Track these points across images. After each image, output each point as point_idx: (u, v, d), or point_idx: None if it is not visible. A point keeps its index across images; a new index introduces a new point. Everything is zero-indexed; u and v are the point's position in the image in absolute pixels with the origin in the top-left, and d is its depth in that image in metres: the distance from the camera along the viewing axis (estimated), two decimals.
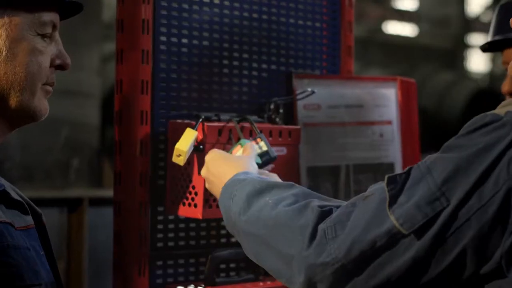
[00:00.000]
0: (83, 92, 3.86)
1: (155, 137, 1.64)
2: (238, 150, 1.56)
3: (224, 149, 1.59)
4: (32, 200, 1.40)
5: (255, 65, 1.80)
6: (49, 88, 1.31)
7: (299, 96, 1.81)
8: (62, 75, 3.95)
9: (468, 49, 13.34)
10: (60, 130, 3.81)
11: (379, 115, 1.92)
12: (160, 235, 1.66)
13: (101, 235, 3.26)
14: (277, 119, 1.79)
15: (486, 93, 9.53)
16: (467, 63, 13.28)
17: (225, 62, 1.76)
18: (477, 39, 13.48)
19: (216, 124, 1.60)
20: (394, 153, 1.93)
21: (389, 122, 1.93)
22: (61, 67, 1.31)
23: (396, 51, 11.07)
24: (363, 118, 1.90)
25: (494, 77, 12.31)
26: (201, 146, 1.57)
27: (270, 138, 1.65)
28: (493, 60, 14.08)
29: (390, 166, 1.92)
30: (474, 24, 13.25)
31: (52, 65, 1.30)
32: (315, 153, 1.84)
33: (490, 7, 13.12)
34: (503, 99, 1.45)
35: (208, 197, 1.57)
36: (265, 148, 1.56)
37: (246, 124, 1.63)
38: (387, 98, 1.93)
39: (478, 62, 14.04)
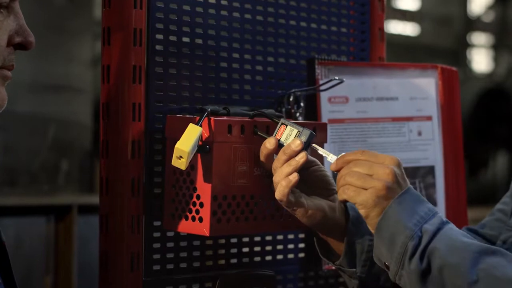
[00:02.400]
0: (73, 87, 3.57)
1: (150, 135, 1.35)
2: (283, 132, 1.27)
3: (235, 149, 1.29)
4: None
5: (270, 49, 1.51)
6: (7, 72, 1.03)
7: (323, 87, 1.52)
8: (49, 68, 3.67)
9: (470, 49, 13.12)
10: (48, 129, 3.52)
11: (417, 110, 1.63)
12: (156, 256, 1.37)
13: (92, 246, 2.98)
14: (298, 114, 1.50)
15: (493, 92, 9.26)
16: (470, 63, 13.04)
17: (235, 45, 1.46)
18: (479, 38, 13.26)
19: (225, 118, 1.30)
20: (434, 155, 1.63)
21: (429, 118, 1.63)
22: (22, 46, 1.03)
23: (398, 50, 10.85)
24: (399, 113, 1.61)
25: (497, 77, 12.09)
26: (207, 146, 1.27)
27: None
28: (496, 60, 13.86)
29: (430, 170, 1.62)
30: (476, 24, 13.04)
31: (10, 43, 1.03)
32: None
33: (492, 7, 12.95)
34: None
35: (217, 208, 1.28)
36: (295, 130, 1.27)
37: (261, 119, 1.33)
38: (426, 90, 1.64)
39: (480, 61, 13.80)
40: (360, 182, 1.20)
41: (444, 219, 1.20)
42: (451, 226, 1.20)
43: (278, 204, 1.35)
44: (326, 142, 1.41)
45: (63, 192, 3.48)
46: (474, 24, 13.02)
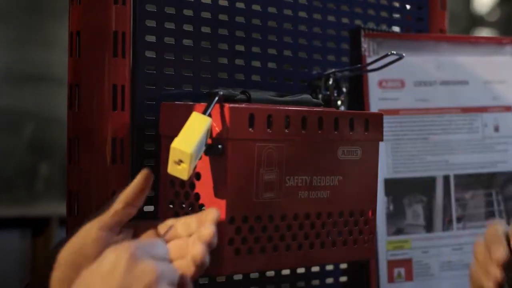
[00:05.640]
0: (54, 77, 3.19)
1: (139, 131, 0.98)
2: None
3: (260, 150, 0.91)
4: None
5: (302, 14, 1.13)
6: None
7: (373, 65, 1.14)
8: (26, 55, 3.24)
9: None
10: (24, 126, 3.15)
11: (493, 97, 1.27)
12: None
13: None
14: (339, 102, 1.13)
15: None
16: None
17: (255, 7, 1.08)
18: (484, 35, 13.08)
19: (244, 106, 0.92)
20: None
21: (508, 108, 1.27)
22: None
23: None
24: (469, 102, 1.25)
25: None
26: (220, 146, 0.89)
27: (336, 132, 0.98)
28: None
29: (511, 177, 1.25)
30: (481, 21, 12.88)
31: None
32: (396, 157, 1.18)
33: (498, 4, 12.74)
34: None
35: (234, 235, 0.91)
36: None
37: (295, 108, 0.95)
38: (504, 71, 1.28)
39: None
40: None
41: None
42: None
43: (318, 228, 0.98)
44: (382, 140, 1.04)
45: (41, 201, 3.12)
46: (479, 21, 12.84)
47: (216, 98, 0.89)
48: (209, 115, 0.88)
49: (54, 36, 3.14)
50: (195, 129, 0.87)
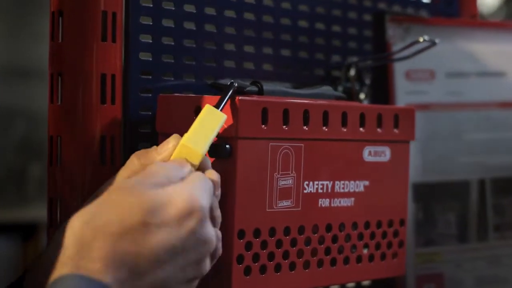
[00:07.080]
0: (44, 72, 3.06)
1: (132, 128, 0.85)
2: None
3: (275, 151, 0.78)
4: None
5: None
6: None
7: (399, 54, 1.00)
8: (15, 49, 3.07)
9: None
10: (13, 125, 3.01)
11: None
12: None
13: None
14: (362, 95, 0.99)
15: None
16: None
17: None
18: None
19: (256, 99, 0.78)
20: None
21: None
22: None
23: None
24: (507, 96, 1.12)
25: None
26: (227, 145, 0.76)
27: (361, 129, 0.84)
28: None
29: None
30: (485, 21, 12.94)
31: None
32: (425, 158, 1.06)
33: (504, 5, 12.70)
34: None
35: (243, 251, 0.77)
36: None
37: (315, 102, 0.82)
38: None
39: None
40: None
41: None
42: None
43: (342, 241, 0.84)
44: (413, 139, 0.90)
45: (32, 204, 2.98)
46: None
47: (231, 91, 0.76)
48: (221, 110, 0.74)
49: (42, 28, 3.00)
50: (208, 126, 0.73)
